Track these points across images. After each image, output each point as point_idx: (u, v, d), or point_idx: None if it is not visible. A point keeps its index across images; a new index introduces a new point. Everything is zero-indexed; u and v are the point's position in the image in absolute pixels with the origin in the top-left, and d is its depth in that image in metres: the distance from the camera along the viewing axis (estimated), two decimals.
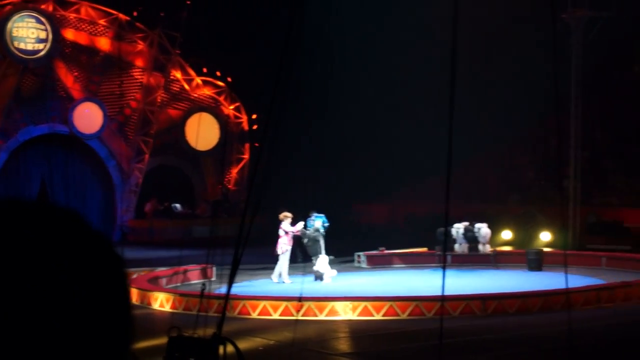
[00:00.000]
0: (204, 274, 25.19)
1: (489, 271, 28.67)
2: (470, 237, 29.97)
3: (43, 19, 41.40)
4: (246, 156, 47.98)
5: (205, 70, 46.83)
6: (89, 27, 43.97)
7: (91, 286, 1.42)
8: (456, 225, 30.26)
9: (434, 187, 30.38)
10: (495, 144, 44.92)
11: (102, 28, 44.05)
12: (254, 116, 47.04)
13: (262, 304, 20.84)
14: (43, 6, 42.13)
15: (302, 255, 28.05)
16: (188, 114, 46.52)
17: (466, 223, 30.61)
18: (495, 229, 33.85)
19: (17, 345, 1.34)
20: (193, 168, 46.86)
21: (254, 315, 20.64)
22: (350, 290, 23.35)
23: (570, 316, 13.66)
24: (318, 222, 27.11)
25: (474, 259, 30.10)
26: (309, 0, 10.82)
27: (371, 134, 45.42)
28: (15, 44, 40.38)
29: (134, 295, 23.72)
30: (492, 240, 31.17)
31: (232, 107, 47.16)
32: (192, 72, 46.80)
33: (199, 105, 46.52)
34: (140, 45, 45.07)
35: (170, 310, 21.53)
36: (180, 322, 10.66)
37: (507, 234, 36.35)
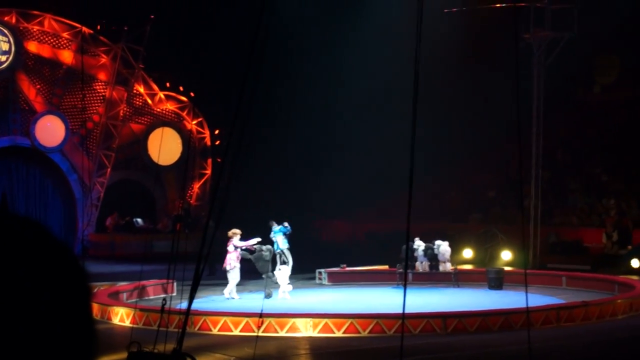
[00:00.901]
0: (165, 289, 25.09)
1: (449, 289, 28.74)
2: (431, 255, 30.03)
3: (6, 31, 41.21)
4: (208, 171, 47.90)
5: (168, 85, 46.76)
6: (52, 40, 43.79)
7: (55, 293, 1.42)
8: (417, 243, 30.32)
9: (395, 204, 30.47)
10: (457, 162, 45.13)
11: (65, 41, 43.89)
12: (217, 131, 47.02)
13: (223, 319, 20.77)
14: (6, 18, 41.95)
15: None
16: (150, 129, 46.40)
17: (423, 244, 30.64)
18: (456, 247, 33.94)
19: None
20: (155, 183, 46.69)
21: (215, 331, 20.57)
22: (311, 307, 23.32)
23: (530, 335, 13.70)
24: (280, 237, 26.96)
25: (434, 277, 30.17)
26: (274, 16, 10.83)
27: (333, 150, 45.45)
28: None
29: (95, 309, 23.58)
30: (453, 259, 31.25)
31: (194, 122, 47.08)
32: (155, 87, 46.71)
33: (161, 119, 46.41)
34: (104, 59, 44.93)
35: (131, 325, 21.40)
36: (141, 338, 10.60)
37: (468, 253, 36.49)
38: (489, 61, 40.53)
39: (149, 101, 46.67)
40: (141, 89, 46.34)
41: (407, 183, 9.71)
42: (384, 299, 25.59)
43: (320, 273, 31.08)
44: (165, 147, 44.18)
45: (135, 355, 10.18)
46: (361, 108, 44.05)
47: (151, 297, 26.51)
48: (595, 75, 48.33)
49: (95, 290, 26.38)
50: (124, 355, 10.37)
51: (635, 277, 29.48)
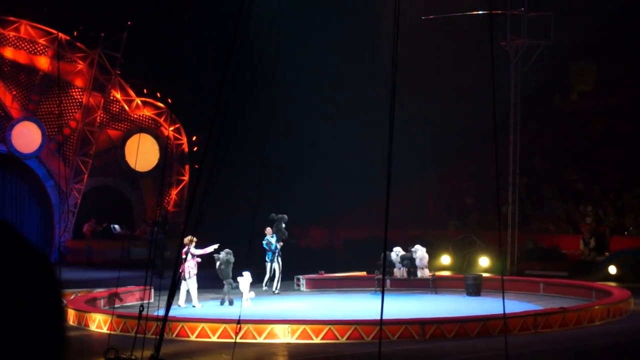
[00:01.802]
0: (143, 296, 24.99)
1: (427, 296, 28.78)
2: (409, 262, 30.05)
3: None
4: (186, 178, 47.81)
5: (145, 91, 46.65)
6: (28, 46, 43.61)
7: (27, 297, 1.40)
8: (395, 250, 30.33)
9: (373, 211, 30.48)
10: (435, 169, 45.22)
11: (41, 47, 43.71)
12: (194, 138, 46.93)
13: (200, 326, 20.71)
14: None
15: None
16: (128, 135, 46.27)
17: (399, 248, 30.64)
18: (434, 253, 33.99)
19: None
20: (132, 189, 46.53)
21: (193, 337, 20.51)
22: (289, 314, 23.29)
23: (507, 341, 13.73)
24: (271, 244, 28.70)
25: (412, 284, 30.19)
26: (251, 22, 10.83)
27: (311, 157, 45.46)
28: None
29: (71, 316, 23.49)
30: (431, 265, 31.28)
31: (172, 128, 46.97)
32: (132, 93, 46.59)
33: (138, 126, 46.26)
34: (80, 65, 44.78)
35: (108, 331, 21.30)
36: (118, 344, 10.57)
37: (445, 259, 36.56)
38: (466, 69, 40.65)
39: (126, 107, 46.55)
40: (118, 95, 46.21)
41: (385, 190, 9.71)
42: (362, 306, 25.60)
43: (298, 279, 31.06)
44: (142, 154, 44.04)
45: None
46: (340, 115, 44.10)
47: (129, 304, 26.42)
48: (572, 83, 48.54)
49: (73, 296, 26.29)
50: None
51: (612, 284, 29.62)
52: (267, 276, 29.12)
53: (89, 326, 22.69)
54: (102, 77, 45.20)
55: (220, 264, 25.83)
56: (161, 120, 47.02)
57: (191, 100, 40.86)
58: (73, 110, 45.20)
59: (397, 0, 10.59)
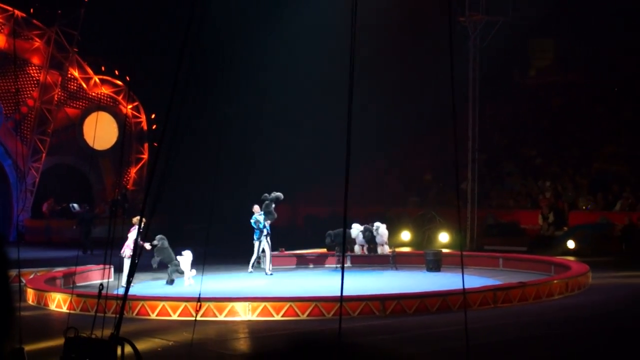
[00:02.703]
0: (103, 275, 24.86)
1: (388, 272, 28.86)
2: (369, 238, 30.09)
3: None
4: (145, 156, 47.60)
5: (103, 68, 46.34)
6: None
7: None
8: (355, 226, 30.36)
9: (333, 188, 30.48)
10: (394, 146, 45.31)
11: None
12: (153, 115, 46.71)
13: (161, 304, 20.66)
14: None
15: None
16: (86, 113, 45.99)
17: (359, 225, 30.61)
18: (394, 230, 34.08)
19: None
20: (91, 167, 46.27)
21: (153, 316, 20.47)
22: (250, 291, 23.29)
23: (467, 316, 13.80)
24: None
25: (373, 260, 30.26)
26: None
27: (272, 134, 45.41)
28: None
29: (31, 295, 23.36)
30: (391, 242, 31.36)
31: (130, 106, 46.73)
32: (90, 71, 46.26)
33: (96, 104, 45.98)
34: (37, 43, 44.40)
35: (68, 311, 21.21)
36: (78, 323, 10.50)
37: (406, 235, 36.68)
38: (425, 44, 40.72)
39: (84, 85, 46.23)
40: (76, 73, 45.87)
41: (344, 167, 9.70)
42: (322, 282, 25.67)
43: (259, 257, 31.02)
44: (100, 132, 43.84)
45: (72, 340, 10.08)
46: (299, 91, 44.02)
47: (88, 283, 26.30)
48: (530, 59, 48.78)
49: (32, 276, 26.14)
50: (61, 341, 10.26)
51: (571, 258, 29.87)
52: (255, 256, 28.12)
53: (48, 305, 22.58)
54: (60, 54, 44.85)
55: (156, 254, 25.56)
56: (119, 98, 46.75)
57: (150, 77, 40.64)
58: (30, 89, 44.83)
59: None
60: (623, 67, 44.49)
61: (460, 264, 12.05)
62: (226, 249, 30.61)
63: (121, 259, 24.24)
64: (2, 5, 43.18)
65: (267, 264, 27.88)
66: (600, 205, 35.96)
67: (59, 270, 27.11)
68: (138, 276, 24.29)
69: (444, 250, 30.76)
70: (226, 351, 17.24)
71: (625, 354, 15.78)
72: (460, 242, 33.84)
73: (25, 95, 44.73)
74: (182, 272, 25.15)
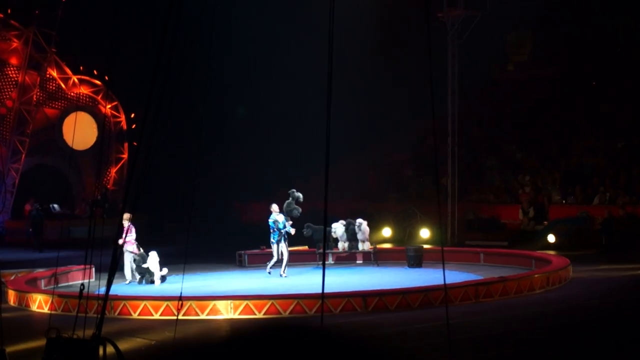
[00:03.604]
0: (84, 275, 24.82)
1: (369, 268, 28.89)
2: (351, 235, 30.10)
3: None
4: (125, 155, 47.51)
5: (82, 68, 46.22)
6: None
7: None
8: (334, 225, 30.28)
9: (314, 186, 30.50)
10: (374, 142, 45.36)
11: None
12: (133, 115, 46.62)
13: (142, 304, 20.62)
14: None
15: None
16: (65, 113, 45.89)
17: (343, 222, 30.54)
18: (375, 226, 34.12)
19: None
20: (70, 168, 46.17)
21: (135, 315, 20.43)
22: (231, 289, 23.29)
23: (449, 311, 13.83)
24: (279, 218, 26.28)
25: (354, 257, 30.29)
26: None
27: (252, 132, 45.42)
28: None
29: (12, 297, 23.29)
30: (372, 238, 31.39)
31: (110, 106, 46.64)
32: (68, 71, 46.15)
33: (75, 104, 45.87)
34: (15, 43, 44.27)
35: (49, 311, 21.17)
36: (59, 324, 10.49)
37: (387, 231, 36.73)
38: (404, 40, 40.77)
39: (63, 85, 46.11)
40: (54, 73, 45.76)
41: (324, 164, 9.71)
42: (304, 280, 25.65)
43: (240, 255, 31.01)
44: (80, 132, 43.73)
45: (54, 341, 10.07)
46: (278, 90, 44.06)
47: (70, 283, 26.25)
48: (508, 54, 48.88)
49: (13, 277, 26.07)
50: (43, 341, 10.25)
51: (551, 252, 29.96)
52: (274, 260, 26.36)
53: (29, 307, 22.51)
54: (38, 55, 44.73)
55: (141, 259, 25.56)
56: (99, 97, 46.65)
57: (129, 76, 40.58)
58: (9, 89, 44.69)
59: None
60: (601, 60, 44.63)
61: (441, 259, 12.13)
62: (206, 247, 30.59)
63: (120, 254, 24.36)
64: None
65: (283, 265, 26.29)
66: (579, 199, 36.10)
67: (40, 271, 27.06)
68: (117, 276, 24.27)
69: (425, 246, 30.80)
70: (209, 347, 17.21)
71: (608, 346, 15.86)
72: (441, 238, 33.90)
73: (4, 96, 44.59)
74: (150, 273, 25.19)
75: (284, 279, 25.81)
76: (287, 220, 26.66)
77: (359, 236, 30.01)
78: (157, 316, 20.23)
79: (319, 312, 19.15)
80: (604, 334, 17.03)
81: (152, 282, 25.19)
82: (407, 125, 44.43)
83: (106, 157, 46.32)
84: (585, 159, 39.02)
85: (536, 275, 23.46)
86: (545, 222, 35.36)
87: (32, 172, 45.30)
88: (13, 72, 44.67)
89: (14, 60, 44.60)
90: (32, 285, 24.45)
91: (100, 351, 9.86)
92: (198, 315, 20.06)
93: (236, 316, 20.00)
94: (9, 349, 10.62)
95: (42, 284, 25.43)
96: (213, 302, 20.34)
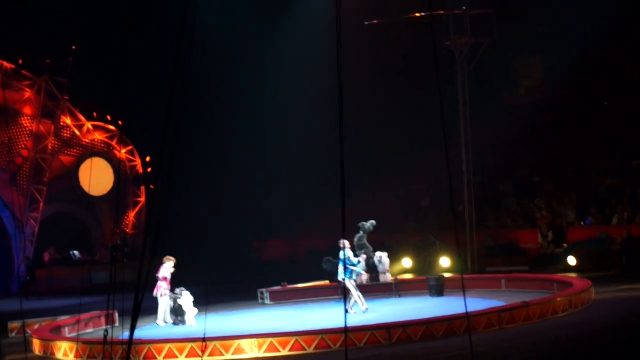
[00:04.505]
0: (107, 320, 24.85)
1: (391, 300, 28.84)
2: (372, 266, 30.06)
3: None
4: (142, 199, 47.63)
5: (95, 115, 46.46)
6: None
7: None
8: (378, 254, 30.20)
9: (332, 220, 30.48)
10: (391, 173, 45.33)
11: None
12: (148, 158, 46.76)
13: (167, 346, 20.63)
14: None
15: None
16: (80, 160, 46.09)
17: (364, 255, 30.44)
18: (395, 257, 34.07)
19: None
20: (88, 214, 46.31)
21: (160, 358, 20.44)
22: (255, 328, 23.26)
23: (473, 339, 13.80)
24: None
25: (375, 289, 30.23)
26: (198, 39, 10.84)
27: (267, 169, 45.50)
28: None
29: (37, 346, 23.33)
30: (393, 269, 31.35)
31: (125, 150, 46.82)
32: (82, 118, 46.38)
33: (91, 150, 46.07)
34: (28, 93, 44.54)
35: (75, 359, 21.21)
36: None
37: (407, 262, 36.66)
38: (415, 70, 40.83)
39: (77, 132, 46.33)
40: (68, 121, 45.99)
41: (341, 198, 9.75)
42: (327, 315, 25.59)
43: (262, 293, 31.02)
44: (96, 178, 43.86)
45: None
46: (292, 125, 44.20)
47: (94, 329, 26.28)
48: (518, 78, 48.89)
49: (37, 326, 26.11)
50: None
51: (572, 275, 29.86)
52: (357, 295, 25.23)
53: (55, 355, 22.53)
54: (51, 103, 44.98)
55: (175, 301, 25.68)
56: (113, 143, 46.84)
57: (142, 120, 40.80)
58: (24, 139, 44.92)
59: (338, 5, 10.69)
60: (610, 80, 44.61)
61: (462, 287, 12.06)
62: (227, 286, 30.60)
63: (155, 300, 24.84)
64: None
65: (361, 300, 25.21)
66: (598, 220, 35.98)
67: (64, 318, 27.10)
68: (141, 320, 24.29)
69: (446, 275, 30.73)
70: None
71: None
72: (461, 266, 33.81)
73: (20, 146, 44.81)
74: (182, 313, 25.28)
75: (307, 316, 25.78)
76: (357, 256, 26.21)
77: (380, 268, 30.02)
78: (182, 358, 20.23)
79: (343, 347, 19.11)
80: (632, 356, 16.92)
81: (184, 322, 25.20)
82: (422, 155, 44.41)
83: (124, 202, 46.44)
84: (601, 179, 38.93)
85: (559, 299, 23.36)
86: (565, 245, 35.24)
87: (51, 220, 45.43)
88: (27, 121, 44.92)
89: (27, 110, 44.86)
90: (56, 333, 24.50)
91: None
92: (223, 355, 20.05)
93: (261, 354, 19.98)
94: None
95: (66, 331, 25.47)
96: (237, 342, 20.33)
